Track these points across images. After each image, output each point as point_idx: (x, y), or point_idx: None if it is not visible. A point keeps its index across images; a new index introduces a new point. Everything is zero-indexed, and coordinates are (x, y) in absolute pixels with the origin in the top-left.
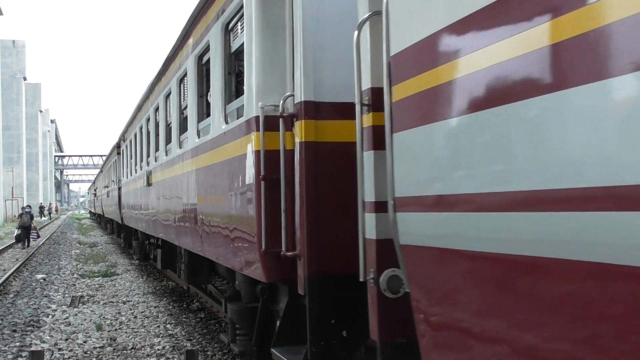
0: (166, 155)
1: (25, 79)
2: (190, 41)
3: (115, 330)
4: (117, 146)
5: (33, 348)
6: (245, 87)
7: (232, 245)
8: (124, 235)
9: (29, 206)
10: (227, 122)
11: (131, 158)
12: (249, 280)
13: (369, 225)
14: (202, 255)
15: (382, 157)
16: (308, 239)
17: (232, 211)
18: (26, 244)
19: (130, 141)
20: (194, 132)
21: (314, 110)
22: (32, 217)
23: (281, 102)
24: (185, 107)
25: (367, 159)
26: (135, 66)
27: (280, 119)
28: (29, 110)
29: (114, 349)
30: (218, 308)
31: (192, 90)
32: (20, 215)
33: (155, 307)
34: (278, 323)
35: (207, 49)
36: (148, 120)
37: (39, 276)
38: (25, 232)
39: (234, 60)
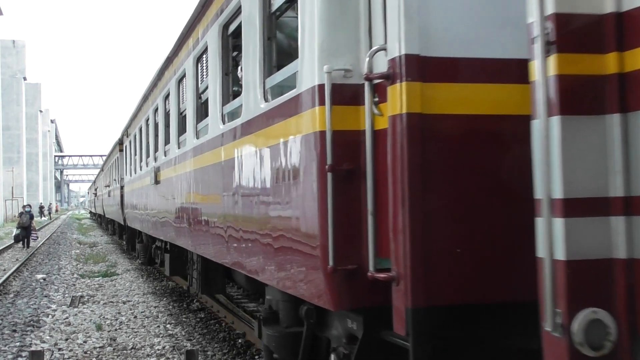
0: (179, 148)
1: (25, 79)
2: (213, 8)
3: (115, 330)
4: (120, 142)
5: (33, 348)
6: (300, 50)
7: (278, 258)
8: (126, 237)
9: (29, 205)
10: (267, 100)
11: (135, 154)
12: (289, 298)
13: (557, 238)
14: (230, 267)
15: (583, 125)
16: (413, 255)
17: (279, 213)
18: (26, 244)
19: (135, 136)
20: (217, 117)
21: (419, 68)
22: (31, 217)
23: (367, 58)
24: (205, 90)
25: (554, 128)
26: (135, 66)
27: (367, 84)
28: (29, 110)
29: (114, 349)
30: (245, 329)
31: (215, 68)
32: (20, 215)
33: (155, 307)
34: (333, 358)
35: (236, 14)
36: (156, 110)
37: (39, 276)
38: (25, 232)
39: (275, 22)
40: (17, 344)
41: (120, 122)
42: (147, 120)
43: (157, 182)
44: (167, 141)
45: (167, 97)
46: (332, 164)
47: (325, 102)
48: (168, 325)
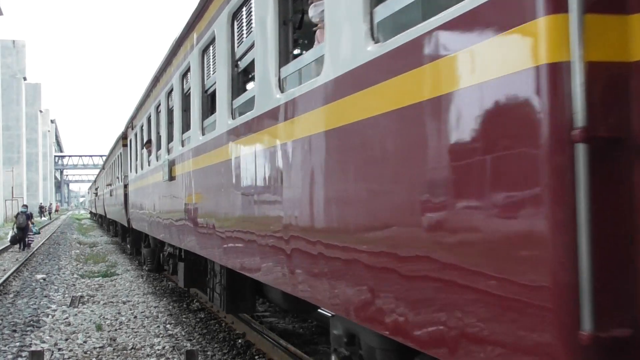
0: (203, 134)
1: (25, 79)
2: None
3: (115, 330)
4: (124, 136)
5: (33, 348)
6: None
7: (410, 293)
8: (130, 240)
9: (25, 206)
10: (378, 40)
11: (143, 148)
12: (393, 346)
13: None
14: (296, 296)
15: None
16: None
17: (428, 219)
18: (22, 246)
19: (142, 127)
20: (271, 84)
21: None
22: (28, 218)
23: None
24: (246, 53)
25: None
26: (135, 66)
27: None
28: (29, 110)
29: (113, 349)
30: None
31: (266, 17)
32: (17, 216)
33: (155, 307)
34: None
35: None
36: (169, 93)
37: (39, 276)
38: (22, 233)
39: None
40: (17, 344)
41: (120, 122)
42: (158, 106)
43: (171, 178)
44: (185, 128)
45: (185, 74)
46: (588, 126)
47: (567, 6)
48: (168, 326)
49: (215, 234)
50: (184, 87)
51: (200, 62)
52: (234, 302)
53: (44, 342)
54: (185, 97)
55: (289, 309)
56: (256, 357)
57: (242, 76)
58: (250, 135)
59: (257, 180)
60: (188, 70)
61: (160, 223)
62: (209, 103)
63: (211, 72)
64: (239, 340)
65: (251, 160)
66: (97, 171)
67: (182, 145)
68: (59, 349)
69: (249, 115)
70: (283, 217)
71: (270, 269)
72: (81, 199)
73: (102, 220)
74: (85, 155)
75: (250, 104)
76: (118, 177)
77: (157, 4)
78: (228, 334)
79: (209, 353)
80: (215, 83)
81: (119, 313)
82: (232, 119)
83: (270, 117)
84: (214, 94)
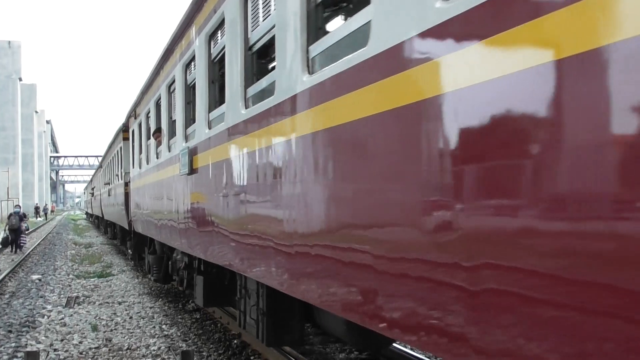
0: (246, 108)
1: (20, 79)
2: None
3: (111, 330)
4: (124, 129)
5: (28, 349)
6: None
7: None
8: (132, 245)
9: (18, 206)
10: None
11: (149, 139)
12: None
13: None
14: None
15: None
16: None
17: None
18: (14, 249)
19: (148, 114)
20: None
21: None
22: (21, 219)
23: None
24: None
25: None
26: (130, 67)
27: None
28: (24, 111)
29: (109, 350)
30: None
31: None
32: (9, 216)
33: (150, 307)
34: None
35: None
36: (188, 65)
37: (35, 277)
38: (14, 235)
39: None
40: (13, 344)
41: (117, 122)
42: (171, 84)
43: (191, 171)
44: (213, 106)
45: (214, 33)
46: None
47: None
48: (164, 326)
49: (273, 248)
50: (212, 51)
51: (242, 6)
52: (276, 331)
53: (39, 342)
54: (214, 65)
55: (352, 343)
56: (251, 357)
57: (322, 9)
58: (351, 93)
59: (363, 165)
60: (221, 24)
61: (174, 227)
62: (255, 64)
63: (260, 19)
64: (235, 341)
65: (361, 130)
66: (92, 172)
67: (209, 128)
68: (55, 350)
69: (351, 60)
70: (421, 222)
71: (384, 308)
72: (77, 200)
73: (98, 222)
74: (81, 156)
75: (354, 42)
76: (117, 175)
77: (153, 5)
78: (223, 335)
79: (204, 354)
80: (271, 29)
81: (115, 313)
82: (309, 74)
83: (394, 58)
84: (265, 49)
